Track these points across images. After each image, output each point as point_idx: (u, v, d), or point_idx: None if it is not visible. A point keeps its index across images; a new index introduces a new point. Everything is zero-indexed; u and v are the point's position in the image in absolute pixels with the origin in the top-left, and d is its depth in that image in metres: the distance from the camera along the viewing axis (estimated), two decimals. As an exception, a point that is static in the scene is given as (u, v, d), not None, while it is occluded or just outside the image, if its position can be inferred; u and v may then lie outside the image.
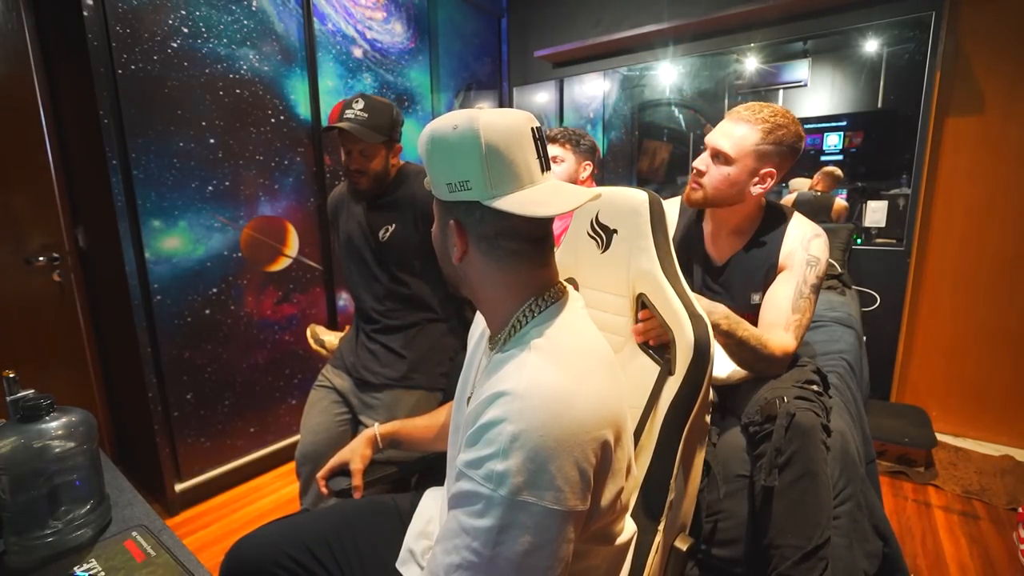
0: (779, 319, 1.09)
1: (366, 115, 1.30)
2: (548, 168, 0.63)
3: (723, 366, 1.13)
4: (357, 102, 1.31)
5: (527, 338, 0.61)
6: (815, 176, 2.57)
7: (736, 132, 1.10)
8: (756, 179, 1.11)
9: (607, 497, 0.58)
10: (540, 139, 0.61)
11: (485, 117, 0.57)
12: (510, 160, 0.57)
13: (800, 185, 2.62)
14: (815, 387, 1.04)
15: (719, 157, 1.11)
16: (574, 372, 0.56)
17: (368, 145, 1.32)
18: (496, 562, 0.50)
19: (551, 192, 0.60)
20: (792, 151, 1.11)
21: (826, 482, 0.92)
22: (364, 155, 1.33)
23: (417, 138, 2.66)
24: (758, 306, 1.15)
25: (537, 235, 0.63)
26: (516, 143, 0.58)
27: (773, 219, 1.18)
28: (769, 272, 1.15)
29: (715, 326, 0.91)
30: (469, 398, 0.75)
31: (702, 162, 1.14)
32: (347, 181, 1.51)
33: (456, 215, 0.62)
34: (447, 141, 0.58)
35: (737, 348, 1.02)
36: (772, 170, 1.10)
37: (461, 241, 0.63)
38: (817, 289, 1.11)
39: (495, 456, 0.51)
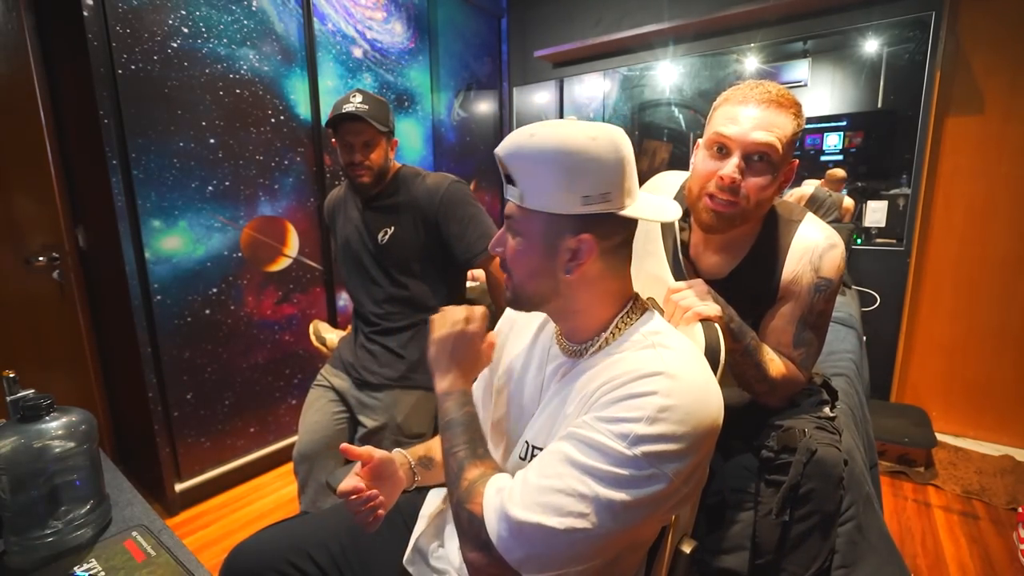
0: (778, 353, 0.94)
1: (367, 107, 1.30)
2: None
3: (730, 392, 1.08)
4: (355, 96, 1.31)
5: (635, 339, 0.64)
6: (823, 179, 2.56)
7: (778, 122, 0.83)
8: (783, 179, 0.88)
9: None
10: None
11: (615, 128, 0.61)
12: (633, 170, 0.62)
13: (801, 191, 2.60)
14: (828, 409, 0.97)
15: (762, 159, 0.84)
16: (704, 367, 0.61)
17: (372, 136, 1.32)
18: (599, 499, 0.54)
19: (654, 199, 0.65)
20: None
21: (836, 521, 0.89)
22: (367, 147, 1.33)
23: (416, 138, 2.63)
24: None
25: (632, 241, 0.67)
26: (633, 155, 0.62)
27: (776, 226, 0.94)
28: (765, 296, 0.95)
29: (726, 328, 0.83)
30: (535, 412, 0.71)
31: (735, 169, 0.84)
32: (346, 182, 1.50)
33: (589, 228, 0.60)
34: (589, 153, 0.58)
35: (741, 358, 0.88)
36: (795, 160, 0.88)
37: (590, 255, 0.61)
38: (828, 314, 0.93)
39: (639, 420, 0.55)
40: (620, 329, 0.66)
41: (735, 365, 0.91)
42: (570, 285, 0.64)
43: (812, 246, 0.91)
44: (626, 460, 0.54)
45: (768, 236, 0.94)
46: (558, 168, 0.58)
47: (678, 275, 0.95)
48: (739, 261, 0.96)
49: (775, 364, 0.91)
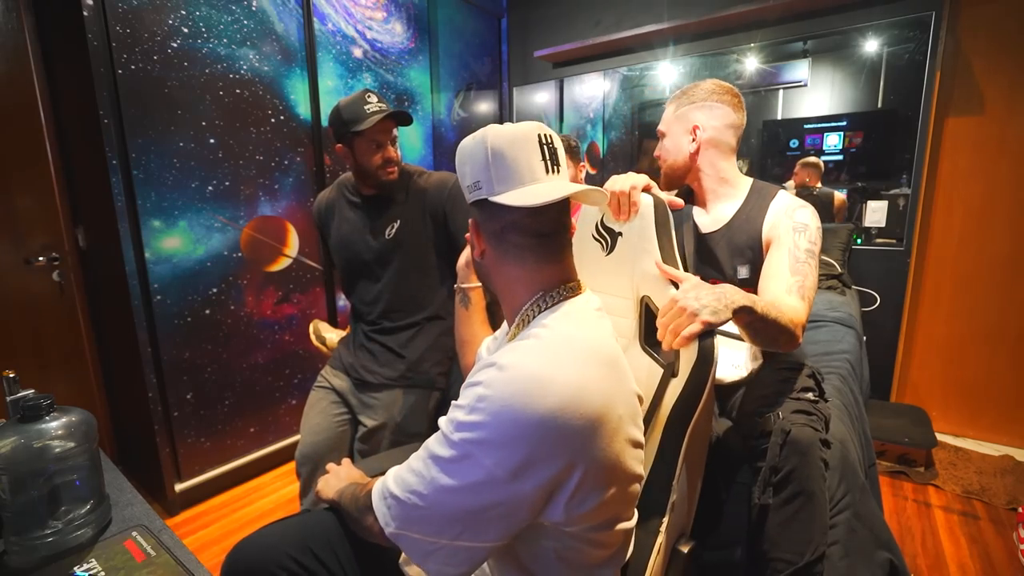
0: (780, 286, 1.03)
1: (385, 104, 1.31)
2: (555, 171, 0.66)
3: (720, 369, 1.12)
4: (371, 96, 1.30)
5: (528, 329, 0.66)
6: (797, 171, 2.54)
7: (664, 114, 1.28)
8: (688, 139, 1.21)
9: (594, 496, 0.59)
10: (546, 144, 0.66)
11: (495, 127, 0.65)
12: (512, 160, 0.63)
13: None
14: (812, 394, 1.01)
15: (661, 138, 1.28)
16: (560, 360, 0.59)
17: (395, 132, 1.34)
18: (435, 483, 0.59)
19: (548, 187, 0.64)
20: (714, 103, 1.19)
21: (822, 499, 0.91)
22: (394, 144, 1.35)
23: (416, 138, 2.65)
24: (745, 280, 1.13)
25: (543, 231, 0.67)
26: (519, 146, 0.64)
27: (758, 196, 1.18)
28: (755, 248, 1.13)
29: (743, 308, 0.84)
30: None
31: (656, 149, 1.30)
32: (337, 184, 1.50)
33: (473, 214, 0.70)
34: (466, 150, 0.67)
35: (762, 325, 0.92)
36: (695, 125, 1.20)
37: (478, 238, 0.70)
38: (813, 255, 1.06)
39: (462, 408, 0.59)
40: (527, 318, 0.68)
41: (759, 333, 0.94)
42: (486, 267, 0.72)
43: (786, 204, 1.14)
44: (449, 444, 0.58)
45: (749, 202, 1.19)
46: (457, 165, 0.70)
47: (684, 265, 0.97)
48: (729, 219, 1.20)
49: (786, 309, 0.97)
